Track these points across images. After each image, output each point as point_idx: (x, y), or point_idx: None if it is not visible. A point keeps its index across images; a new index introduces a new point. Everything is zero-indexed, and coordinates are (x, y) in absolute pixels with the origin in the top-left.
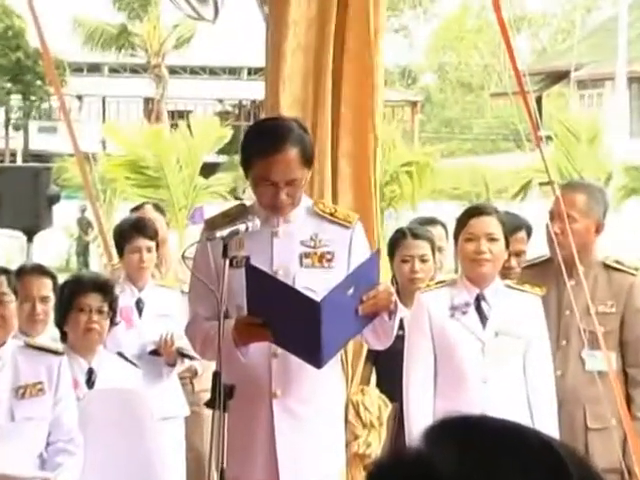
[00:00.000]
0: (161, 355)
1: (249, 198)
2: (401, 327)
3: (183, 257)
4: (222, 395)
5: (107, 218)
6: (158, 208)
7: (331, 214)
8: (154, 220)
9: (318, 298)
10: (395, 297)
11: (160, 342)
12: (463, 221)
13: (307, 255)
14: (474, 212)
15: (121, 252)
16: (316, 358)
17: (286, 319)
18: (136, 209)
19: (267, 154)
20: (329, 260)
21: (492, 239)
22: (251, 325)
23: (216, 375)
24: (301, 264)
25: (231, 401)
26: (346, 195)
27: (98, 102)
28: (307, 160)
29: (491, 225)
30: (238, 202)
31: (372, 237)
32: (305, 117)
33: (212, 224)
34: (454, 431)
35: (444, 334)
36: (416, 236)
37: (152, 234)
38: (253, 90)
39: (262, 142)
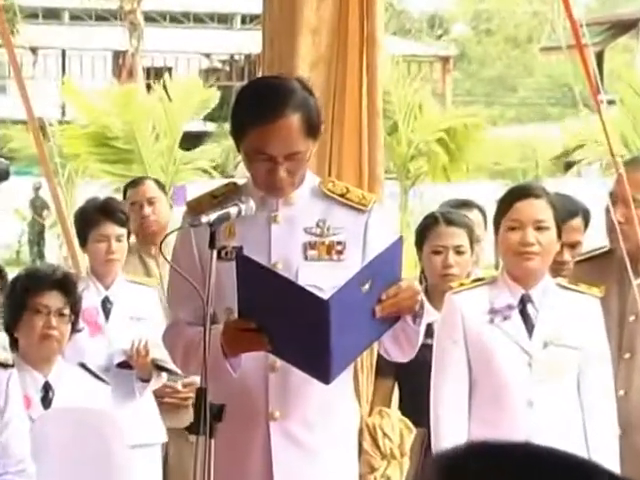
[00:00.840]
0: (133, 368)
1: (242, 176)
2: (429, 334)
3: (160, 248)
4: (208, 417)
5: (68, 199)
6: (160, 185)
7: (342, 195)
8: (157, 201)
9: (326, 297)
10: (422, 296)
11: (132, 352)
12: (506, 205)
13: (312, 245)
14: (519, 194)
15: (84, 240)
16: (324, 371)
17: (286, 323)
18: (133, 184)
19: (263, 121)
20: (339, 252)
21: (541, 227)
22: (243, 331)
23: (201, 393)
24: (305, 256)
25: (219, 424)
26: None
27: (57, 56)
28: (312, 129)
29: (540, 210)
30: (228, 180)
31: None
32: (310, 75)
33: (196, 207)
34: (491, 463)
35: (481, 344)
36: (451, 222)
37: (123, 219)
38: (247, 42)
39: (257, 106)
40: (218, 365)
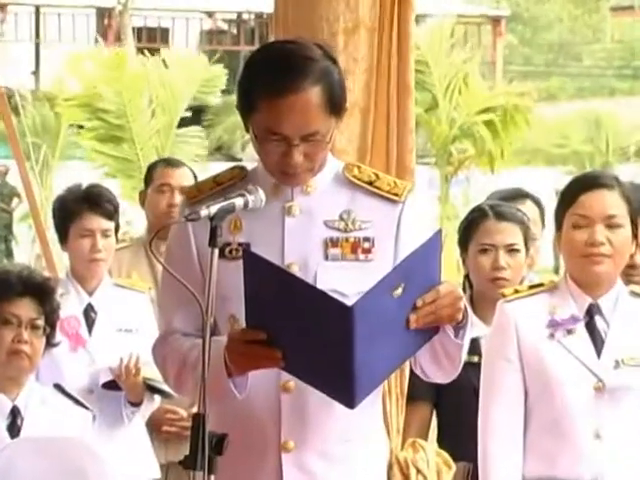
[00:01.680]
0: (121, 389)
1: (251, 158)
2: (475, 351)
3: (150, 245)
4: (207, 449)
5: (43, 185)
6: (194, 178)
7: (370, 182)
8: None
9: (350, 303)
10: (465, 303)
11: (120, 370)
12: (570, 197)
13: (334, 242)
14: (587, 184)
15: (65, 236)
16: (347, 393)
17: (303, 334)
18: (166, 164)
19: (275, 94)
20: (366, 250)
21: (613, 224)
22: (252, 343)
23: (198, 419)
24: (325, 255)
25: (220, 458)
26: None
27: (30, 14)
28: (334, 105)
29: (612, 204)
30: (234, 164)
31: None
32: (331, 41)
33: (195, 195)
34: None
35: (539, 363)
36: (502, 216)
37: (111, 211)
38: None
39: (269, 76)
40: (220, 385)
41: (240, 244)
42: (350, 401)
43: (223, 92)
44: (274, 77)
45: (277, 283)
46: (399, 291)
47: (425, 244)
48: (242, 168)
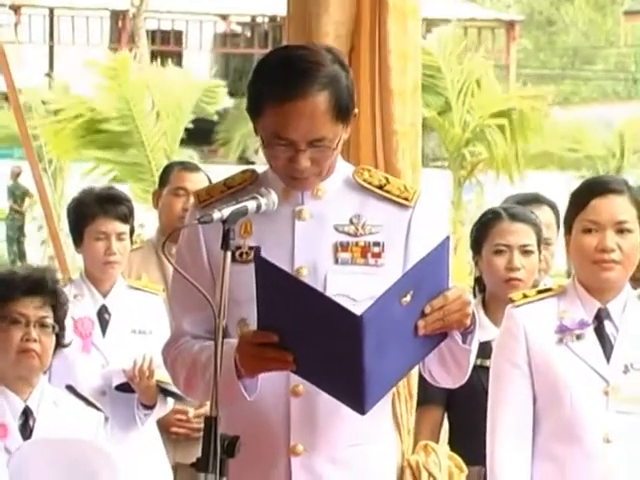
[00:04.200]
0: (134, 391)
1: (265, 162)
2: (486, 354)
3: (163, 248)
4: (219, 452)
5: (55, 187)
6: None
7: (380, 186)
8: None
9: (360, 310)
10: (473, 308)
11: (133, 372)
12: (580, 201)
13: (344, 246)
14: (597, 188)
15: (79, 238)
16: (358, 399)
17: (314, 339)
18: (184, 168)
19: (282, 98)
20: (376, 254)
21: (623, 230)
22: (263, 346)
23: (210, 422)
24: (335, 260)
25: (232, 460)
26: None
27: (43, 17)
28: (342, 111)
29: (622, 209)
30: (246, 167)
31: None
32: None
33: (206, 199)
34: None
35: (549, 368)
36: (515, 218)
37: (126, 214)
38: (271, 2)
39: (276, 80)
40: (229, 387)
41: (251, 247)
42: (361, 407)
43: (235, 95)
44: (281, 82)
45: (288, 289)
46: (408, 298)
47: (433, 251)
48: (253, 172)
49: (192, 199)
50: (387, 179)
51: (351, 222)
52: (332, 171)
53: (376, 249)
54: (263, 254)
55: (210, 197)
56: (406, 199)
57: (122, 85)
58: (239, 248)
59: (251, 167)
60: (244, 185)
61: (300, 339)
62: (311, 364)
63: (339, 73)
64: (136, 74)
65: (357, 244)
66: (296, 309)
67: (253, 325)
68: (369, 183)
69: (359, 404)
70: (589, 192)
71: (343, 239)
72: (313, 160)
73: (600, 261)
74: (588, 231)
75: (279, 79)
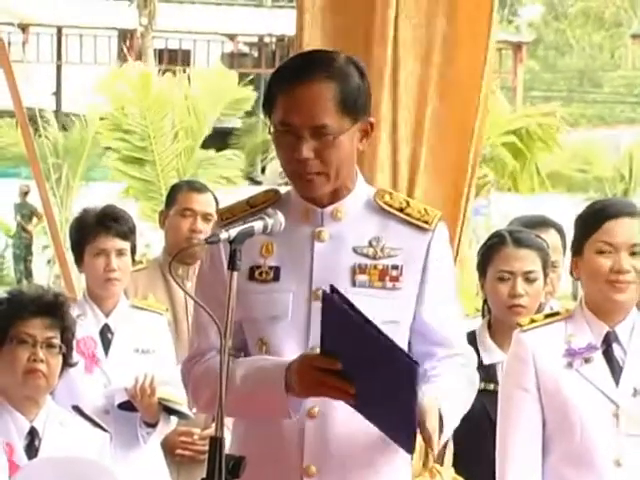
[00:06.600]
0: (136, 409)
1: (272, 182)
2: (492, 378)
3: (170, 267)
4: (224, 473)
5: (63, 206)
6: (216, 205)
7: (401, 209)
8: (212, 219)
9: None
10: (436, 438)
11: (135, 390)
12: (593, 223)
13: (363, 269)
14: (611, 210)
15: (80, 257)
16: (407, 440)
17: (372, 377)
18: (192, 188)
19: (289, 83)
20: (394, 278)
21: (636, 252)
22: (326, 372)
23: (216, 443)
24: (353, 282)
25: None
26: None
27: (51, 35)
28: (349, 106)
29: (636, 232)
30: (269, 188)
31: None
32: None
33: (228, 217)
34: None
35: (558, 392)
36: (520, 243)
37: (125, 231)
38: (280, 22)
39: (287, 68)
40: (274, 404)
41: (270, 267)
42: (410, 447)
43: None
44: (291, 69)
45: (351, 327)
46: None
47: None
48: (276, 192)
49: (200, 221)
50: (408, 202)
51: (370, 244)
52: (348, 185)
53: (394, 272)
54: (283, 274)
55: (232, 216)
56: (426, 222)
57: (144, 99)
58: (259, 267)
59: (274, 187)
60: (267, 205)
61: (359, 373)
62: (367, 399)
63: (352, 72)
64: (158, 90)
65: (375, 267)
66: (358, 345)
67: (271, 345)
68: (390, 206)
69: (408, 443)
70: (603, 214)
71: (361, 261)
72: (316, 152)
73: (614, 282)
74: (602, 252)
75: (290, 67)
